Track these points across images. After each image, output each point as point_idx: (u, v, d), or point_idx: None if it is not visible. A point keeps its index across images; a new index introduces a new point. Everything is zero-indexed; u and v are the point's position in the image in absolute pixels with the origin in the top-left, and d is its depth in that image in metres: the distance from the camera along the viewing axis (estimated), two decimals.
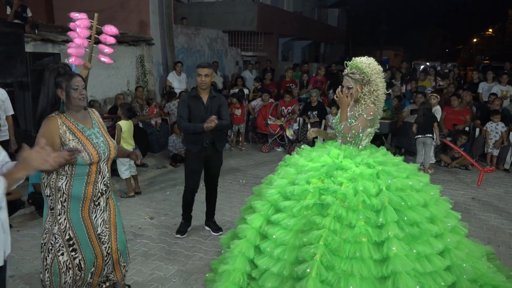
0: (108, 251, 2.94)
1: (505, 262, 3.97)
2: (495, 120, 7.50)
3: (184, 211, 4.56)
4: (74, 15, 5.12)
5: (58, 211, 2.71)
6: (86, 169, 2.70)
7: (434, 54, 34.78)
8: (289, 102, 8.91)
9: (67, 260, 2.74)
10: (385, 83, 3.27)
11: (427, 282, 2.72)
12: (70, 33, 5.15)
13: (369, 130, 3.23)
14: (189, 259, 4.02)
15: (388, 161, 3.12)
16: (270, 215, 3.09)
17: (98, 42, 5.25)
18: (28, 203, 4.91)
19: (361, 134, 3.21)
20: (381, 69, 3.23)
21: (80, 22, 5.03)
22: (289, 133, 8.57)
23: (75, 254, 2.76)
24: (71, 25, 5.14)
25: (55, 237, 2.72)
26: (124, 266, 3.12)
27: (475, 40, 41.73)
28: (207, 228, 4.67)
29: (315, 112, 8.71)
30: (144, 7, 9.46)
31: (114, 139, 6.07)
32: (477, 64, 23.10)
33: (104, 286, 3.08)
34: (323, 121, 8.53)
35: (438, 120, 7.28)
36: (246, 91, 9.85)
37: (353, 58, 3.25)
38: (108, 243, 2.93)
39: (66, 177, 2.67)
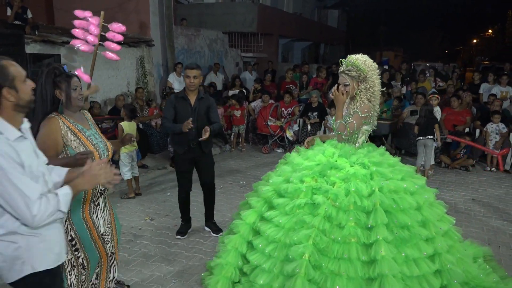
0: (112, 251, 2.96)
1: (506, 263, 3.97)
2: (495, 121, 7.50)
3: (181, 212, 4.56)
4: (80, 13, 5.19)
5: None
6: None
7: (434, 55, 34.77)
8: (289, 103, 8.91)
9: (71, 259, 2.76)
10: (381, 81, 3.26)
11: (414, 286, 2.72)
12: (76, 32, 5.20)
13: (365, 127, 3.21)
14: (189, 260, 4.02)
15: (384, 162, 3.10)
16: (263, 211, 3.12)
17: (104, 39, 5.32)
18: None
19: (356, 132, 3.21)
20: (376, 66, 3.22)
21: (93, 20, 5.15)
22: (289, 134, 8.57)
23: (77, 254, 2.78)
24: (78, 23, 5.19)
25: None
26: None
27: (474, 41, 41.75)
28: (207, 229, 4.67)
29: (315, 113, 8.72)
30: (144, 8, 9.47)
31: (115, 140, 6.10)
32: (476, 65, 23.12)
33: None
34: (323, 122, 8.54)
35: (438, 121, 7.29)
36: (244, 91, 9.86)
37: (348, 55, 3.23)
38: (111, 242, 2.95)
39: None
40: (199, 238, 4.51)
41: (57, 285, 1.99)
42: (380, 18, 32.01)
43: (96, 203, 2.82)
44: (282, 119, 8.76)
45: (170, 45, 9.99)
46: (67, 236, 2.73)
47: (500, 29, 37.92)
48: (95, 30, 5.25)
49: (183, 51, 10.87)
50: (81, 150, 2.67)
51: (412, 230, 2.82)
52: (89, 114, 2.99)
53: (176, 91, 9.09)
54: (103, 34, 5.34)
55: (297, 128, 8.82)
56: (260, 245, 2.96)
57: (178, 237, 4.50)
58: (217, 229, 4.59)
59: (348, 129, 3.14)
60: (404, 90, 10.09)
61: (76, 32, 5.39)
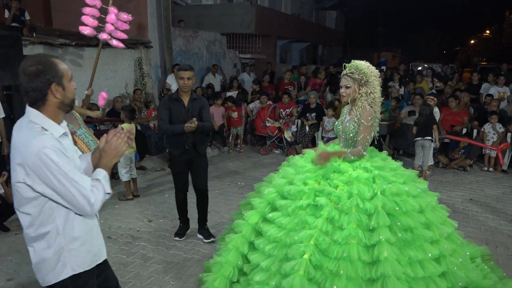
0: None
1: (503, 263, 3.99)
2: (493, 121, 7.52)
3: (179, 214, 4.56)
4: (90, 0, 5.44)
5: None
6: None
7: (431, 56, 34.83)
8: (287, 104, 8.92)
9: None
10: (381, 88, 3.29)
11: (419, 287, 2.73)
12: (85, 18, 5.45)
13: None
14: (187, 262, 4.02)
15: (386, 166, 3.14)
16: (266, 212, 3.15)
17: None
18: None
19: (362, 139, 3.21)
20: (379, 73, 3.26)
21: (111, 10, 5.60)
22: (287, 135, 8.58)
23: None
24: (88, 10, 5.42)
25: None
26: None
27: (472, 41, 41.86)
28: (199, 236, 4.55)
29: (313, 114, 8.73)
30: (142, 10, 9.46)
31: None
32: (474, 65, 23.17)
33: None
34: (321, 123, 8.55)
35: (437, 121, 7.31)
36: None
37: (352, 60, 3.28)
38: None
39: None
40: (197, 240, 4.50)
41: (89, 285, 2.01)
42: (378, 19, 32.11)
43: None
44: (280, 120, 8.77)
45: (168, 46, 9.99)
46: None
47: (497, 29, 38.03)
48: (114, 21, 5.59)
49: (181, 53, 10.87)
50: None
51: (416, 232, 2.84)
52: (77, 114, 3.02)
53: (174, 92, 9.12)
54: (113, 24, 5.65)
55: (295, 129, 8.82)
56: (261, 245, 2.99)
57: (176, 238, 4.50)
58: (208, 235, 4.49)
59: (365, 144, 3.14)
60: (402, 90, 10.11)
61: (85, 18, 5.58)
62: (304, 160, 3.34)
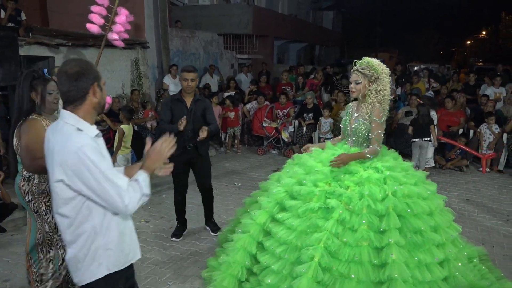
0: None
1: (499, 263, 4.00)
2: (490, 122, 7.54)
3: (177, 214, 4.56)
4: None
5: (44, 212, 2.79)
6: None
7: (428, 56, 34.93)
8: (285, 104, 8.93)
9: (63, 253, 2.84)
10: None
11: None
12: (93, 16, 5.48)
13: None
14: (184, 262, 4.01)
15: (397, 166, 3.12)
16: (275, 212, 3.11)
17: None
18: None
19: (376, 136, 3.21)
20: (389, 71, 3.24)
21: (120, 10, 5.68)
22: (284, 135, 8.58)
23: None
24: (97, 9, 5.48)
25: (49, 234, 2.81)
26: None
27: (468, 42, 42.00)
28: (207, 228, 4.68)
29: (310, 114, 8.74)
30: (138, 11, 9.44)
31: (110, 143, 6.10)
32: (470, 66, 23.26)
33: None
34: (318, 123, 8.56)
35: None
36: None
37: (363, 57, 3.26)
38: None
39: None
40: (194, 240, 4.50)
41: (120, 285, 2.06)
42: (375, 20, 32.16)
43: None
44: (278, 121, 8.77)
45: (165, 47, 9.99)
46: (58, 231, 2.80)
47: (493, 30, 38.16)
48: (124, 22, 5.63)
49: (178, 53, 10.86)
50: None
51: (425, 235, 2.83)
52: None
53: (171, 93, 9.10)
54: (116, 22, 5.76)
55: (292, 130, 8.83)
56: (272, 247, 2.96)
57: (174, 239, 4.49)
58: (216, 228, 4.61)
59: (378, 142, 3.14)
60: (398, 91, 10.14)
61: (94, 17, 5.63)
62: (313, 160, 3.29)
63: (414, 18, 35.53)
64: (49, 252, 2.87)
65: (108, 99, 5.67)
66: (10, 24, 6.76)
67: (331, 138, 8.37)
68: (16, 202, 4.86)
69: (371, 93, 3.13)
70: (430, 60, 27.24)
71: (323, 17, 26.98)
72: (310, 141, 8.85)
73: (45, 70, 2.90)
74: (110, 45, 5.76)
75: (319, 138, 8.55)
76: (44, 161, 2.57)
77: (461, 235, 3.29)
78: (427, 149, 6.99)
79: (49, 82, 2.76)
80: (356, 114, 3.26)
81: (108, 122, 6.88)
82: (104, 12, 5.64)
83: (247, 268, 3.12)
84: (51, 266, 2.89)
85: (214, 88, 10.64)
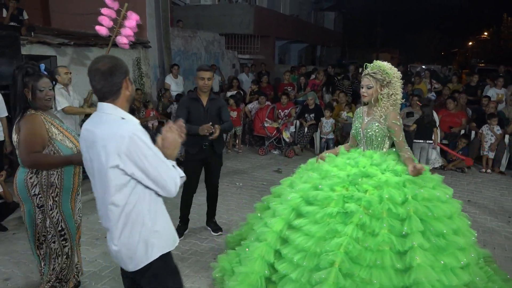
0: (80, 239, 3.15)
1: (501, 265, 3.99)
2: (492, 124, 7.53)
3: (181, 213, 4.55)
4: (110, 2, 5.59)
5: (50, 207, 2.78)
6: None
7: (429, 57, 34.93)
8: (286, 105, 8.93)
9: (57, 248, 2.85)
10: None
11: None
12: (102, 19, 5.53)
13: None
14: (185, 262, 4.01)
15: None
16: (291, 219, 3.03)
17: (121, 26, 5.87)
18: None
19: (386, 138, 3.22)
20: (401, 75, 3.21)
21: (131, 15, 5.75)
22: (285, 135, 8.58)
23: (65, 243, 2.87)
24: (107, 11, 5.52)
25: (47, 230, 2.80)
26: None
27: (470, 43, 41.98)
28: (208, 227, 4.68)
29: (312, 115, 8.74)
30: (140, 10, 9.42)
31: None
32: (472, 67, 23.23)
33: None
34: (319, 124, 8.56)
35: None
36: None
37: (374, 60, 3.25)
38: (79, 229, 3.10)
39: (57, 172, 2.74)
40: (195, 240, 4.50)
41: (173, 264, 2.15)
42: (376, 20, 32.15)
43: (77, 193, 2.92)
44: (279, 121, 8.77)
45: (166, 46, 9.99)
46: (58, 227, 2.78)
47: (495, 31, 38.13)
48: (133, 26, 5.66)
49: (179, 53, 10.87)
50: (66, 142, 2.75)
51: (448, 238, 2.79)
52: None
53: (172, 92, 9.12)
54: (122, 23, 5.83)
55: (294, 130, 8.83)
56: (289, 254, 2.89)
57: None
58: (216, 228, 4.61)
59: (405, 143, 3.13)
60: None
61: (104, 19, 5.67)
62: (329, 165, 3.24)
63: (415, 19, 35.50)
64: (42, 249, 2.87)
65: None
66: (12, 23, 6.78)
67: (332, 138, 8.44)
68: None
69: (383, 98, 3.11)
70: (432, 61, 27.23)
71: (325, 18, 27.00)
72: (312, 141, 8.86)
73: (42, 66, 2.87)
74: (113, 44, 5.76)
75: (321, 138, 8.55)
76: (39, 156, 2.59)
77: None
78: (428, 151, 6.99)
79: (41, 79, 2.74)
80: (368, 118, 3.22)
81: None
82: (114, 15, 5.66)
83: (266, 277, 3.03)
84: (42, 263, 2.91)
85: (216, 88, 10.64)
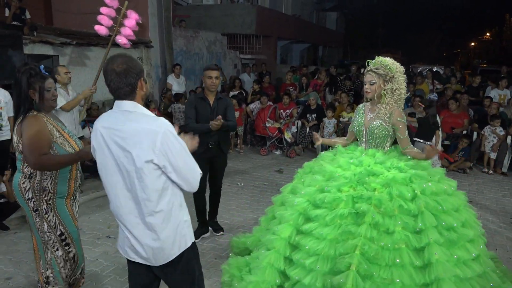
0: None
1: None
2: (495, 125, 7.51)
3: (199, 214, 4.48)
4: (109, 1, 5.55)
5: (44, 210, 2.75)
6: (69, 166, 2.76)
7: (431, 58, 34.87)
8: (288, 105, 8.93)
9: (62, 254, 2.82)
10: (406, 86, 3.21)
11: None
12: (101, 18, 5.53)
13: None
14: None
15: (418, 164, 3.05)
16: (300, 224, 2.96)
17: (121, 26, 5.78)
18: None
19: (388, 137, 3.20)
20: (404, 70, 3.18)
21: (130, 14, 5.66)
22: (287, 136, 8.57)
23: (68, 248, 2.84)
24: (105, 10, 5.49)
25: (46, 235, 2.78)
26: None
27: (472, 44, 41.91)
28: (209, 228, 4.67)
29: (314, 115, 8.74)
30: (142, 10, 9.45)
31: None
32: (474, 67, 23.19)
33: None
34: (321, 124, 8.55)
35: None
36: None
37: (377, 56, 3.21)
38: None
39: (51, 177, 2.72)
40: (196, 240, 4.49)
41: (197, 250, 2.28)
42: (378, 21, 32.18)
43: (74, 197, 2.89)
44: (281, 121, 8.77)
45: (168, 46, 10.00)
46: (57, 232, 2.77)
47: (497, 32, 38.07)
48: (133, 26, 5.69)
49: (181, 53, 10.88)
50: (66, 146, 2.74)
51: (458, 231, 2.77)
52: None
53: (174, 92, 9.12)
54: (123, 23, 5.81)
55: (295, 130, 8.83)
56: (301, 260, 2.82)
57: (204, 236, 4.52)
58: (218, 228, 4.62)
59: (409, 141, 3.14)
60: None
61: (103, 18, 5.65)
62: (332, 166, 3.18)
63: (417, 19, 35.53)
64: (47, 255, 2.82)
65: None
66: (14, 23, 6.79)
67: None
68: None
69: (387, 93, 3.07)
70: (434, 61, 27.18)
71: (327, 18, 27.00)
72: (313, 142, 8.85)
73: (42, 67, 2.85)
74: (114, 44, 5.75)
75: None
76: (49, 157, 2.58)
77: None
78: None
79: (47, 79, 2.72)
80: (371, 115, 3.19)
81: None
82: (113, 14, 5.65)
83: (278, 285, 2.95)
84: (49, 271, 2.83)
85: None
